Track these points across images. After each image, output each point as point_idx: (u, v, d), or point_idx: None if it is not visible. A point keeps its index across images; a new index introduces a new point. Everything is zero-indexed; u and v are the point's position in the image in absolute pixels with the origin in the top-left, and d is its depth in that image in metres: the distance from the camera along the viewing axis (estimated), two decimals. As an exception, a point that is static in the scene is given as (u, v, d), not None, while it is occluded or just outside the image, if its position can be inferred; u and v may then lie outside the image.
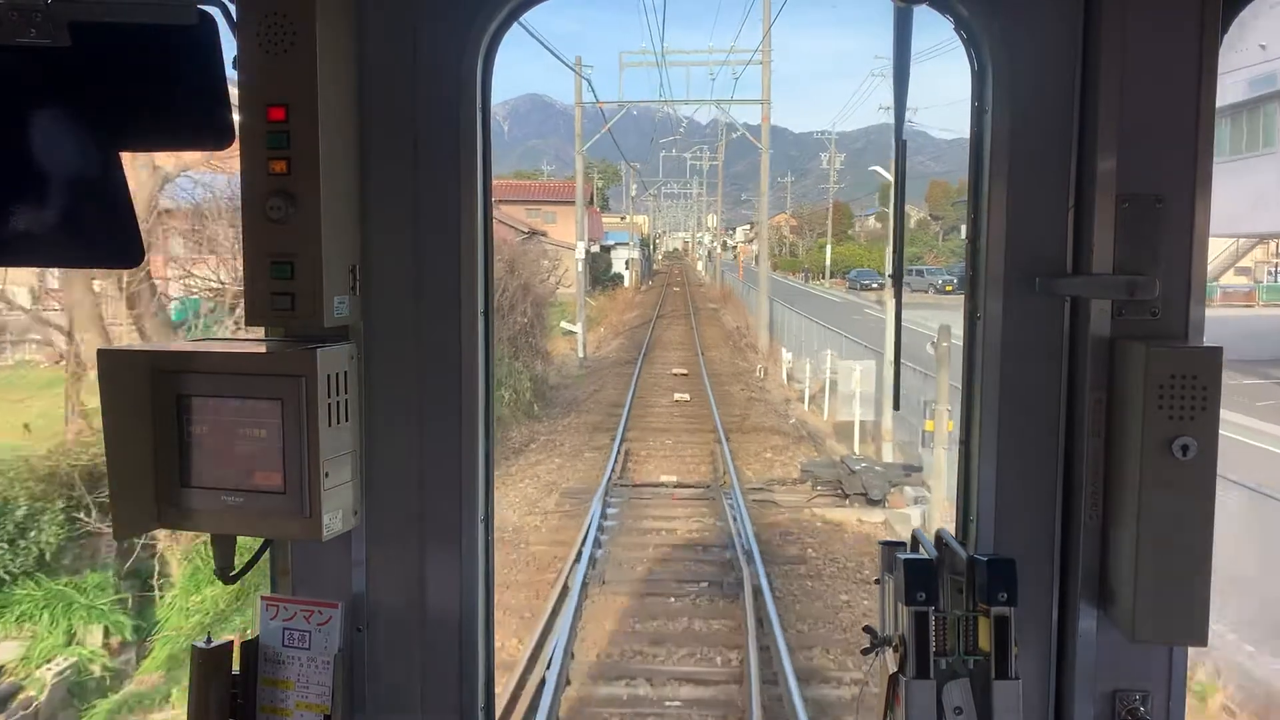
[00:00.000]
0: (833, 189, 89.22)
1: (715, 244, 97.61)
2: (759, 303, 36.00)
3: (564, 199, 57.14)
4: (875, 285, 66.38)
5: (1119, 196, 1.77)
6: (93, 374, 9.87)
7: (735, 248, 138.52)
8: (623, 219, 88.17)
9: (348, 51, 1.81)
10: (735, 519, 13.62)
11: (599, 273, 68.13)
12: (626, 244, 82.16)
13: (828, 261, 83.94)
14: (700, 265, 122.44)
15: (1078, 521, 1.83)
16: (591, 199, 64.80)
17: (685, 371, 29.29)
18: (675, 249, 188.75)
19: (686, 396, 24.49)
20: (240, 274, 2.10)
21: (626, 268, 74.83)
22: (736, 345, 38.68)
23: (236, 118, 1.76)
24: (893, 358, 2.29)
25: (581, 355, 31.95)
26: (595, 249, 73.69)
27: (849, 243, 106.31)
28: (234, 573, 1.86)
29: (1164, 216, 1.77)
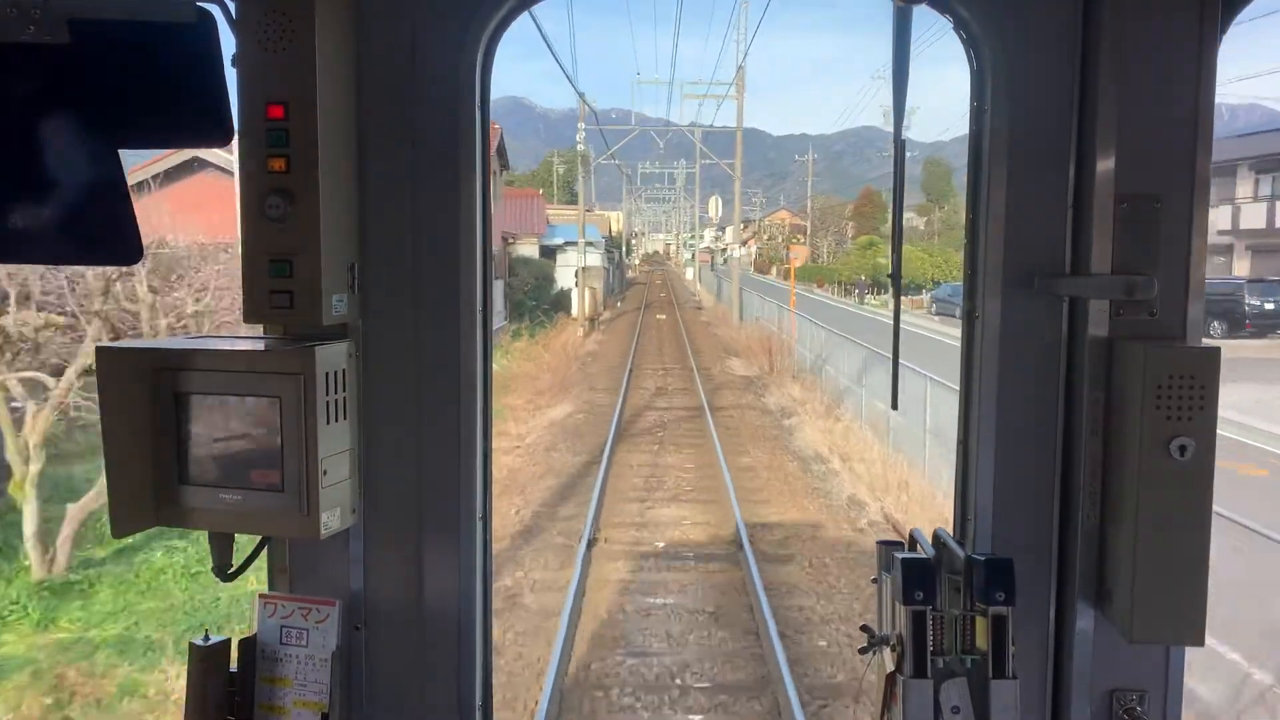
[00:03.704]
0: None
1: (731, 243, 66.23)
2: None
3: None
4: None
5: (1117, 196, 1.77)
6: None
7: (727, 249, 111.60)
8: (590, 210, 59.16)
9: (347, 49, 1.80)
10: None
11: (521, 296, 38.20)
12: (592, 244, 52.28)
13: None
14: (690, 274, 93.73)
15: (1075, 521, 1.83)
16: (501, 149, 35.68)
17: None
18: (656, 251, 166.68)
19: None
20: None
21: (577, 282, 43.86)
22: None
23: (236, 115, 1.76)
24: (892, 358, 2.23)
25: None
26: (527, 250, 44.50)
27: (884, 243, 77.94)
28: (231, 570, 1.84)
29: (1162, 217, 1.77)
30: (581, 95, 42.31)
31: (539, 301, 41.76)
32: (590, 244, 52.91)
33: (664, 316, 50.80)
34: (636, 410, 21.43)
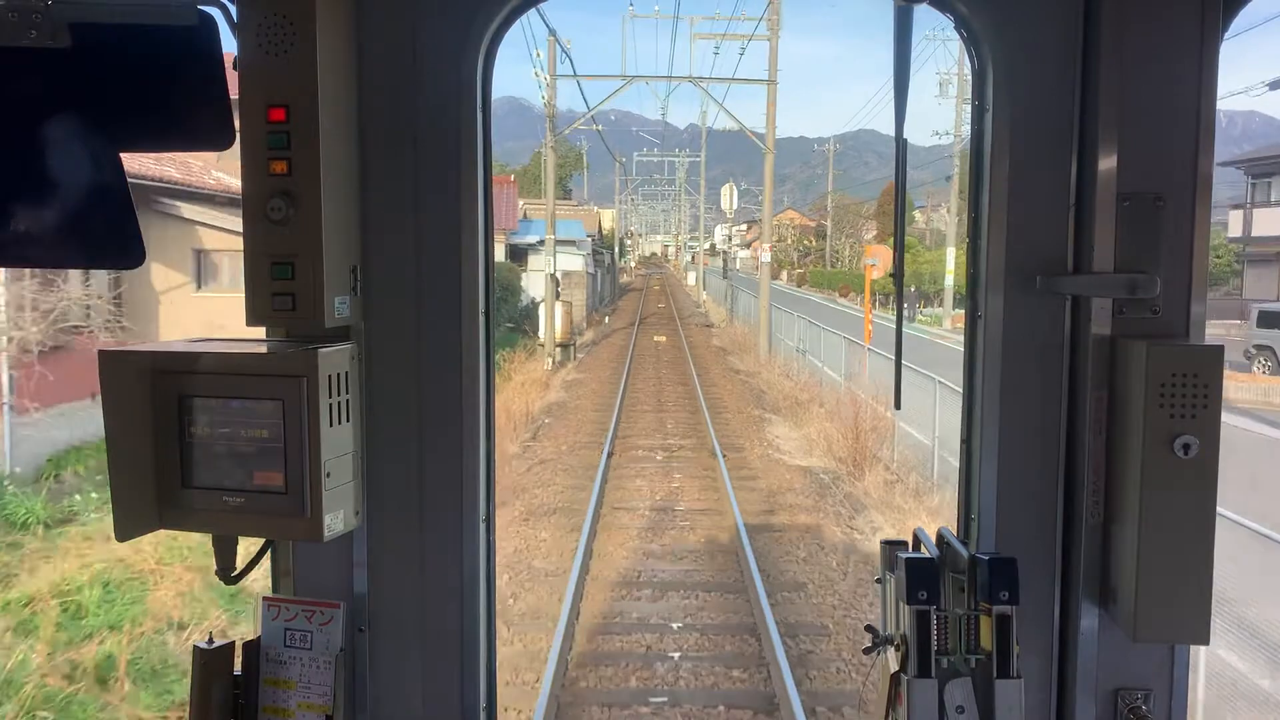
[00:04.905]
0: (958, 139, 48.65)
1: (757, 241, 52.79)
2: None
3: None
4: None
5: (1119, 195, 1.77)
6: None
7: (727, 252, 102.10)
8: (577, 206, 47.37)
9: (348, 51, 1.81)
10: None
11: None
12: (573, 243, 41.18)
13: (948, 280, 43.76)
14: (692, 279, 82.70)
15: (1079, 520, 1.83)
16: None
17: None
18: (654, 254, 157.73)
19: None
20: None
21: (551, 292, 32.00)
22: None
23: (237, 118, 1.76)
24: (895, 357, 2.13)
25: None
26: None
27: (920, 247, 68.42)
28: (235, 573, 1.84)
29: (1164, 215, 1.77)
30: (552, 33, 30.26)
31: (496, 320, 30.27)
32: (571, 243, 41.07)
33: (664, 338, 39.08)
34: (610, 593, 10.14)
